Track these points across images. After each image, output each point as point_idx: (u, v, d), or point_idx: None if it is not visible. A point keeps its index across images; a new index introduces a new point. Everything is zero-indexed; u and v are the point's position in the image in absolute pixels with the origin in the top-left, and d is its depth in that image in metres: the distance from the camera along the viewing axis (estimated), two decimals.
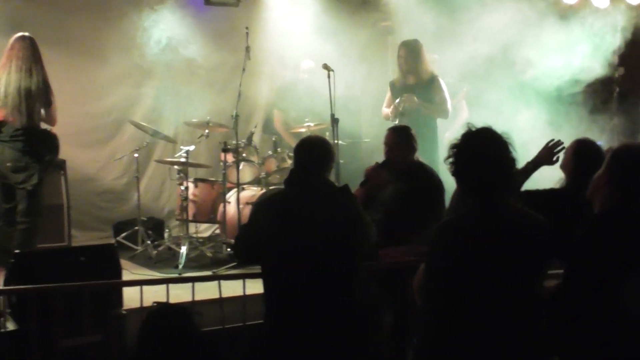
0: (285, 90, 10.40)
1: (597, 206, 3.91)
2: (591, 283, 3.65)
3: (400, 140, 6.60)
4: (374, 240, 5.02)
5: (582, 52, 9.91)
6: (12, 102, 7.51)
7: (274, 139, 9.83)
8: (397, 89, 9.06)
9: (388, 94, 9.22)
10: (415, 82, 9.04)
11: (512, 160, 3.69)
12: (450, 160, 3.71)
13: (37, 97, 7.58)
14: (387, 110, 9.12)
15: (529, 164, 5.51)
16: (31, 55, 7.63)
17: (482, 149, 3.64)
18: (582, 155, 5.46)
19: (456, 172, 3.71)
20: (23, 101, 7.52)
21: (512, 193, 3.79)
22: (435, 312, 3.68)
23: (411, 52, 9.05)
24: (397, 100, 8.89)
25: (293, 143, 9.72)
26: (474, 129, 3.72)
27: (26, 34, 7.75)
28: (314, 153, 5.00)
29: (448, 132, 9.31)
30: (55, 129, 8.02)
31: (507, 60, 10.23)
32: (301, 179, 4.96)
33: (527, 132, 8.81)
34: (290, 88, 10.41)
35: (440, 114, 8.96)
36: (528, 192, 5.42)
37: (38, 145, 7.71)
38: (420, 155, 6.85)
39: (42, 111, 7.70)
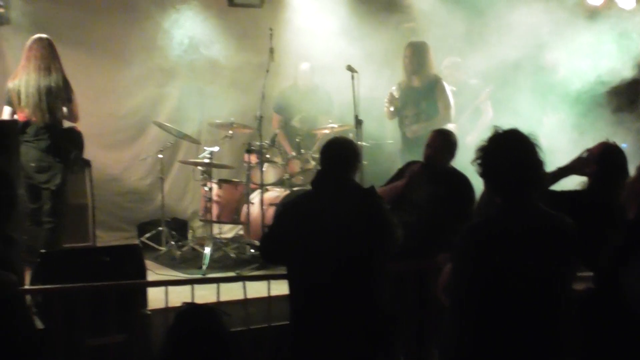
0: (288, 93, 10.34)
1: (633, 212, 3.87)
2: (623, 290, 3.62)
3: (446, 144, 6.56)
4: (400, 241, 5.00)
5: (608, 54, 9.84)
6: (32, 101, 7.59)
7: (297, 140, 9.82)
8: (402, 91, 9.02)
9: (390, 93, 9.13)
10: (420, 84, 9.00)
11: (540, 162, 3.68)
12: (478, 161, 3.70)
13: (57, 95, 7.66)
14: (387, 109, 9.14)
15: (559, 169, 5.49)
16: (49, 54, 7.72)
17: (510, 150, 3.64)
18: (606, 158, 5.43)
19: (484, 173, 3.71)
20: (43, 99, 7.61)
21: (540, 194, 3.77)
22: (463, 313, 3.66)
23: (417, 53, 9.00)
24: (394, 88, 9.02)
25: (287, 147, 9.78)
26: (501, 131, 3.71)
27: (43, 35, 7.84)
28: (342, 154, 4.98)
29: (470, 136, 9.25)
30: (80, 130, 8.07)
31: (532, 62, 10.18)
32: (328, 180, 4.94)
33: (552, 133, 8.79)
34: (293, 90, 10.38)
35: (443, 122, 8.86)
36: (552, 192, 5.40)
37: (62, 143, 7.77)
38: None
39: (64, 109, 7.78)
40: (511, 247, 3.58)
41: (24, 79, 7.60)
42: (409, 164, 6.80)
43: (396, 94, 8.94)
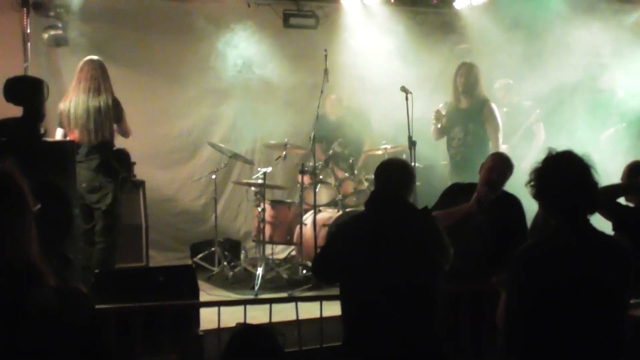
0: (320, 124, 9.74)
1: None
2: None
3: (508, 167, 6.49)
4: (451, 262, 4.95)
5: None
6: (81, 122, 7.69)
7: (350, 161, 9.81)
8: (450, 111, 8.97)
9: (437, 110, 9.04)
10: (468, 105, 8.94)
11: (595, 183, 3.63)
12: (532, 183, 3.66)
13: (106, 114, 7.73)
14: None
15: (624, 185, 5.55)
16: (99, 75, 7.80)
17: (565, 172, 3.60)
18: None
19: (539, 195, 3.67)
20: (91, 120, 7.68)
21: (594, 214, 3.72)
22: (516, 336, 3.61)
23: (468, 74, 8.94)
24: (441, 105, 8.92)
25: (338, 171, 9.73)
26: (555, 152, 3.67)
27: (95, 57, 7.94)
28: (396, 175, 4.94)
29: (523, 162, 9.16)
30: (135, 150, 8.17)
31: (588, 84, 10.09)
32: (382, 201, 4.91)
33: (608, 155, 8.68)
34: (323, 120, 10.20)
35: (495, 146, 8.82)
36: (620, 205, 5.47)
37: (112, 163, 7.83)
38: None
39: (115, 126, 7.87)
40: (565, 269, 3.53)
41: (74, 101, 7.70)
42: (453, 187, 6.71)
43: (443, 111, 8.90)
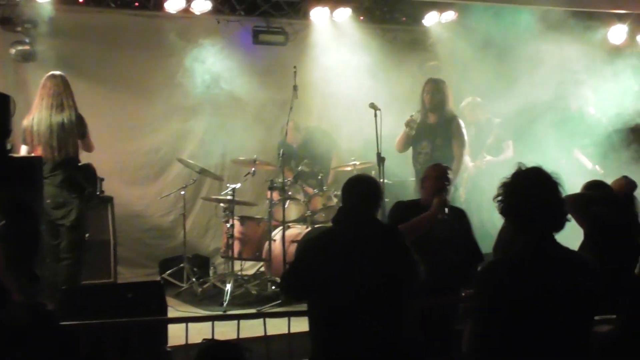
0: (283, 148, 9.63)
1: None
2: None
3: (449, 177, 6.54)
4: (422, 278, 4.97)
5: (631, 92, 9.85)
6: (44, 139, 7.66)
7: (319, 177, 9.83)
8: (418, 126, 8.95)
9: (410, 116, 9.00)
10: (436, 121, 8.98)
11: (562, 200, 3.65)
12: (500, 198, 3.68)
13: (69, 131, 7.72)
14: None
15: None
16: (62, 91, 7.79)
17: (533, 188, 3.62)
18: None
19: (506, 211, 3.68)
20: (54, 137, 7.67)
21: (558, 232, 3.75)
22: (483, 350, 3.62)
23: (436, 90, 8.97)
24: (414, 113, 8.92)
25: (307, 188, 9.75)
26: (524, 169, 3.70)
27: (57, 72, 7.94)
28: (364, 191, 4.96)
29: (491, 178, 9.24)
30: (103, 166, 8.18)
31: (556, 101, 10.19)
32: (350, 218, 4.92)
33: (577, 171, 8.79)
34: (284, 145, 9.95)
35: (459, 162, 8.92)
36: None
37: (77, 179, 7.79)
38: None
39: (79, 142, 7.85)
40: (531, 285, 3.54)
41: (37, 117, 7.69)
42: (399, 205, 6.62)
43: (416, 118, 8.91)
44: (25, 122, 7.73)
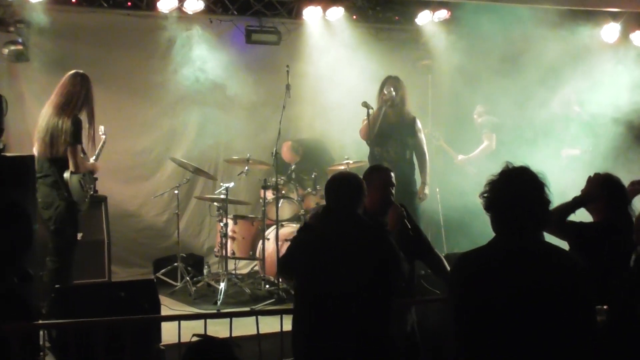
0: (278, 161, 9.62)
1: None
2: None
3: None
4: (406, 275, 4.99)
5: (622, 89, 9.89)
6: (40, 135, 7.69)
7: (313, 175, 9.85)
8: (381, 124, 8.85)
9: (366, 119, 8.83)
10: (397, 119, 8.98)
11: (546, 201, 3.66)
12: (485, 195, 3.70)
13: (61, 132, 7.62)
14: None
15: (574, 200, 5.65)
16: (77, 90, 7.78)
17: (517, 185, 3.64)
18: (610, 189, 5.63)
19: (488, 206, 3.70)
20: (49, 134, 7.64)
21: (543, 231, 3.76)
22: (460, 346, 3.64)
23: (400, 88, 8.97)
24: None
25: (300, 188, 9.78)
26: (511, 167, 3.72)
27: (80, 71, 7.94)
28: (345, 189, 4.98)
29: (470, 168, 9.30)
30: (98, 165, 8.12)
31: (550, 100, 10.24)
32: (333, 216, 4.96)
33: (570, 166, 8.84)
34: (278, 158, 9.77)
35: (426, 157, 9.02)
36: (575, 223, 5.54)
37: (65, 180, 7.71)
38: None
39: (69, 149, 7.68)
40: (504, 281, 3.54)
41: (43, 112, 7.73)
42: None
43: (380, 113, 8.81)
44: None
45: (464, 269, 3.70)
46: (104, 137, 8.41)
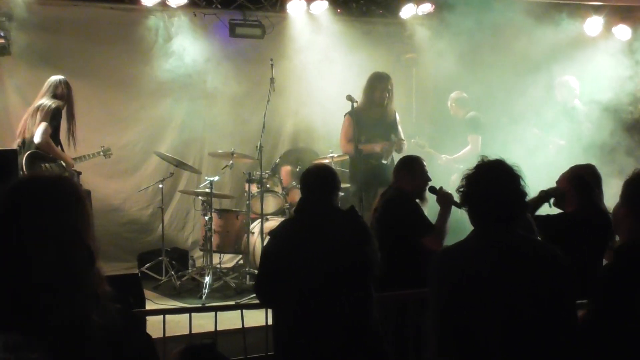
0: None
1: (622, 238, 3.89)
2: (621, 315, 3.59)
3: None
4: (379, 262, 5.03)
5: (605, 81, 9.94)
6: (25, 116, 8.30)
7: (297, 169, 9.84)
8: (364, 121, 8.81)
9: (347, 125, 8.86)
10: (380, 116, 8.99)
11: (522, 193, 3.66)
12: (462, 189, 3.71)
13: (37, 113, 8.14)
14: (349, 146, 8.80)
15: (541, 192, 5.71)
16: (62, 88, 8.33)
17: (492, 178, 3.65)
18: (580, 180, 5.69)
19: (464, 200, 3.71)
20: (29, 116, 8.19)
21: (521, 224, 3.77)
22: (439, 342, 3.65)
23: (392, 88, 9.00)
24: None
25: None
26: (486, 160, 3.73)
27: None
28: (318, 180, 5.07)
29: (454, 175, 9.29)
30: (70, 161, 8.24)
31: (535, 92, 10.27)
32: (309, 206, 5.03)
33: (556, 158, 8.87)
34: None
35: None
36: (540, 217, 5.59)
37: (41, 155, 8.10)
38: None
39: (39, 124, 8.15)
40: (479, 274, 3.55)
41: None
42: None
43: (351, 123, 8.68)
44: None
45: (443, 264, 3.71)
46: (101, 155, 8.99)
